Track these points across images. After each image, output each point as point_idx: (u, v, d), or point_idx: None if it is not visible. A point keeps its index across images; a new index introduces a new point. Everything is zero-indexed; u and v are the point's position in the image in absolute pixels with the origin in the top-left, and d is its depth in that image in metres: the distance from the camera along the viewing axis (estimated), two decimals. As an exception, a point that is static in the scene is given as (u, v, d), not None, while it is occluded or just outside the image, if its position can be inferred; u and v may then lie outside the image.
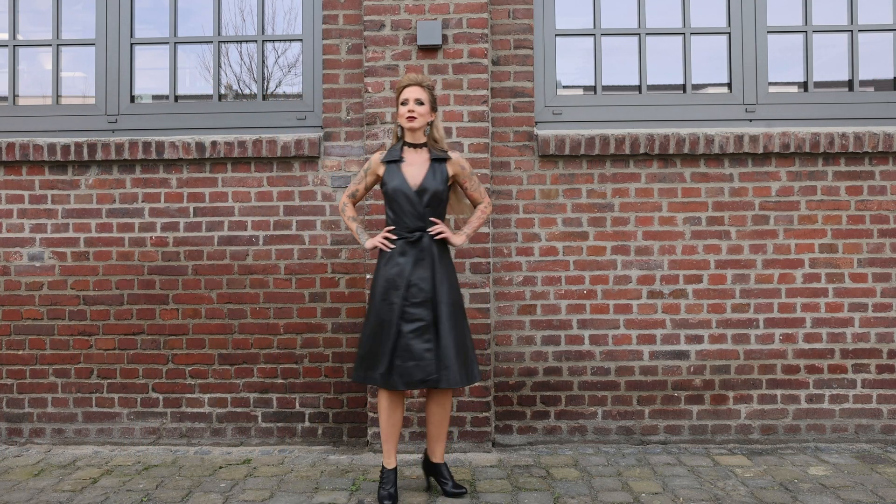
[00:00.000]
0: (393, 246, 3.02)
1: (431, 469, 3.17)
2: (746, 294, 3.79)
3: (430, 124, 3.09)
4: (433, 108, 3.07)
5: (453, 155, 3.08)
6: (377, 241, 3.06)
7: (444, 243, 3.08)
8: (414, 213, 3.00)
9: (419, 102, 3.00)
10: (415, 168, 3.04)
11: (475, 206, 3.19)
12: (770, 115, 3.84)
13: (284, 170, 3.84)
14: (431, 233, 3.01)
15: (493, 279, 3.78)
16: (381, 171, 3.09)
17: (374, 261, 3.67)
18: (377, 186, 3.20)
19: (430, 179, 3.01)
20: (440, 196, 3.03)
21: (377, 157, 3.12)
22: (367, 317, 3.08)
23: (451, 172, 3.06)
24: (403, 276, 2.97)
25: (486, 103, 3.69)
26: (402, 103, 3.03)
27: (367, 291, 3.68)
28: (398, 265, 2.98)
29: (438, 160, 3.04)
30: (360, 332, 3.17)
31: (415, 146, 3.08)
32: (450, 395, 3.10)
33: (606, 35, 3.91)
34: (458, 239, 3.10)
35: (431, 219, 3.03)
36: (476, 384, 3.63)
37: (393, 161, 3.06)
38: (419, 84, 3.03)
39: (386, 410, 3.05)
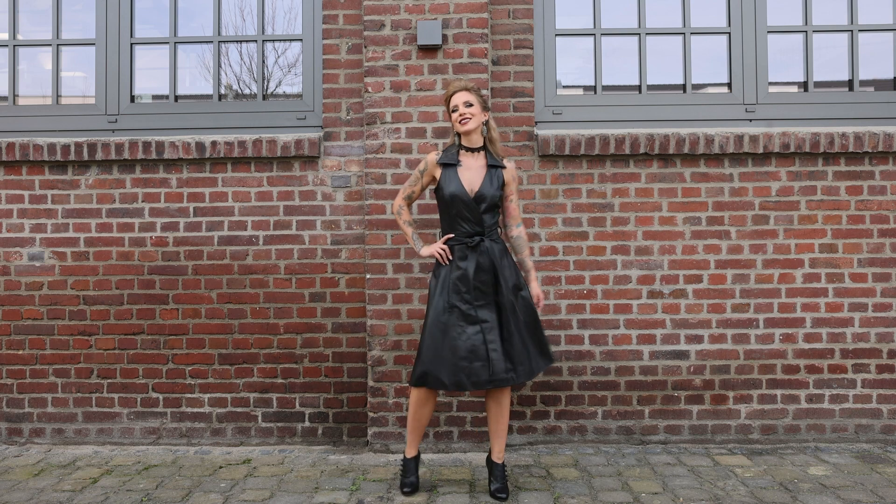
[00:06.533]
0: (450, 258, 3.04)
1: (489, 466, 3.21)
2: (746, 294, 3.79)
3: (486, 125, 3.09)
4: (485, 108, 3.08)
5: (509, 164, 3.12)
6: (435, 251, 3.08)
7: (502, 243, 3.11)
8: (472, 219, 3.04)
9: (468, 104, 3.03)
10: (472, 173, 3.06)
11: (507, 222, 3.20)
12: (770, 115, 3.84)
13: (284, 170, 3.84)
14: (538, 307, 3.14)
15: (493, 279, 3.78)
16: (437, 173, 3.09)
17: (374, 261, 3.69)
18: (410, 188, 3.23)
19: (487, 186, 3.03)
20: (496, 202, 3.07)
21: (433, 157, 3.10)
22: (426, 322, 3.05)
23: (506, 179, 3.09)
24: (467, 280, 2.99)
25: (486, 103, 3.69)
26: (453, 110, 3.06)
27: (369, 293, 3.68)
28: (460, 269, 3.01)
29: (495, 166, 3.07)
30: (420, 336, 3.12)
31: (471, 150, 3.09)
32: (508, 393, 3.12)
33: (606, 35, 3.91)
34: (535, 287, 3.19)
35: (534, 293, 3.15)
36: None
37: (450, 164, 3.06)
38: (465, 89, 3.06)
39: (415, 405, 3.09)
